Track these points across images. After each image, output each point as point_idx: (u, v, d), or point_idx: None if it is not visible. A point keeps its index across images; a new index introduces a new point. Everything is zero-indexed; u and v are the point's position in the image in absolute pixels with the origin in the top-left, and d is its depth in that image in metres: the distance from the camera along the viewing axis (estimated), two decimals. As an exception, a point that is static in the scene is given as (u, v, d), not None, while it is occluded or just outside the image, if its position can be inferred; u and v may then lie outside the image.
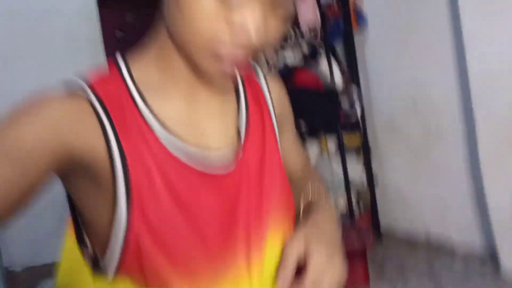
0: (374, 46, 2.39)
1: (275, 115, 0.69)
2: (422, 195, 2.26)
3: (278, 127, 0.69)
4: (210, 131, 0.61)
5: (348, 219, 2.24)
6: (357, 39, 2.37)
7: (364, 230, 2.04)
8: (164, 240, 0.52)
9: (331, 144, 2.30)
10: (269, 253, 0.59)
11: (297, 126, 1.91)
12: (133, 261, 0.51)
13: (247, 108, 0.66)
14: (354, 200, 2.29)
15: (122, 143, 0.52)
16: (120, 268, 0.51)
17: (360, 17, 2.33)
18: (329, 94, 1.93)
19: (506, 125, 1.75)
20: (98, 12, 2.18)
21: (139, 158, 0.53)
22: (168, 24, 0.55)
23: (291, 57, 1.97)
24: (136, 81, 0.57)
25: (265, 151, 0.65)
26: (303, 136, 2.10)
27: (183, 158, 0.55)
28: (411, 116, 2.25)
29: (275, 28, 0.52)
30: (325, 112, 1.89)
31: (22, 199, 0.46)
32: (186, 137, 0.57)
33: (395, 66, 2.30)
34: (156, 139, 0.54)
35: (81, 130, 0.50)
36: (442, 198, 2.14)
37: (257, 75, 0.71)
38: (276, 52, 2.04)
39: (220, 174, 0.58)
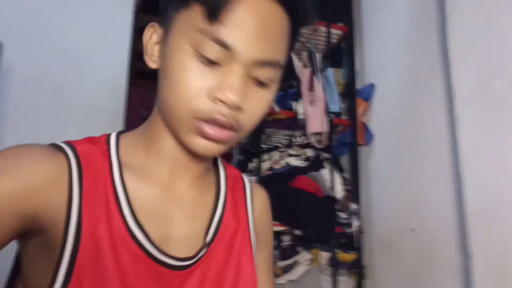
0: (378, 163, 2.41)
1: (254, 229, 0.67)
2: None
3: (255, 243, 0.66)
4: (178, 228, 0.58)
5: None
6: (361, 154, 2.42)
7: None
8: None
9: (323, 256, 2.20)
10: None
11: (290, 233, 1.87)
12: None
13: (223, 210, 0.64)
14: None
15: (84, 211, 0.50)
16: None
17: (368, 133, 2.39)
18: (328, 201, 1.93)
19: (501, 262, 1.69)
20: (126, 88, 2.13)
21: (95, 231, 0.51)
22: (158, 101, 0.56)
23: (294, 160, 2.01)
24: (121, 158, 0.56)
25: (229, 262, 0.61)
26: (294, 244, 2.03)
27: (140, 246, 0.53)
28: (408, 239, 2.20)
29: (256, 97, 0.53)
30: (321, 218, 1.87)
31: None
32: (151, 229, 0.55)
33: (396, 186, 2.29)
34: (120, 219, 0.53)
35: (51, 194, 0.48)
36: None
37: (244, 183, 0.70)
38: (281, 155, 2.08)
39: (172, 272, 0.56)
